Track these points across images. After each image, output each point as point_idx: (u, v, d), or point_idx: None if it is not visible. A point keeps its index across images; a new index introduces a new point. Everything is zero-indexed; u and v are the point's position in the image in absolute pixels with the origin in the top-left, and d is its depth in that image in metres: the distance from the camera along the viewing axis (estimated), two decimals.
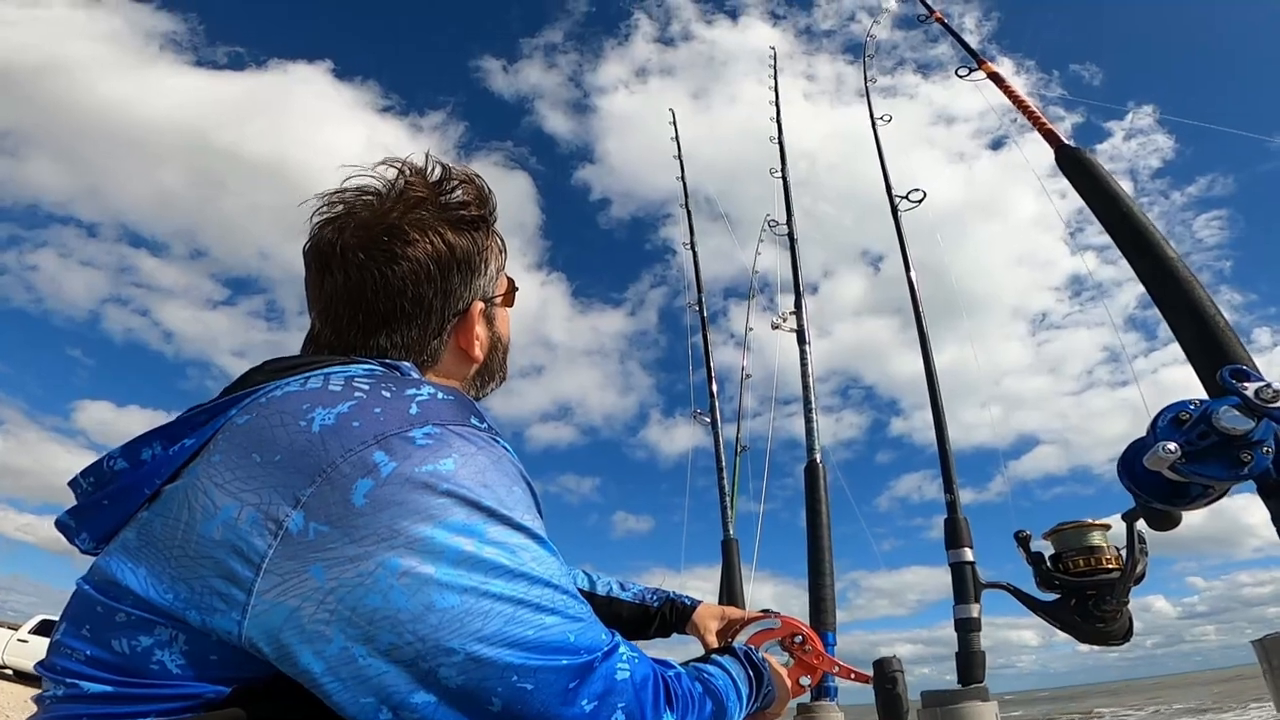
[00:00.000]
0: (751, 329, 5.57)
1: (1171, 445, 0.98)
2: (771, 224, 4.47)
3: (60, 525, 0.73)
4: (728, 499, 4.01)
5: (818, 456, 2.85)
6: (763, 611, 1.36)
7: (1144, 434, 1.06)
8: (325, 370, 0.73)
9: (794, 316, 3.47)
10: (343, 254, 0.81)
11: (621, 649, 0.69)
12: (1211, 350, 1.16)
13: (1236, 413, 0.96)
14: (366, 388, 0.69)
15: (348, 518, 0.58)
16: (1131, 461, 1.07)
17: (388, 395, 0.68)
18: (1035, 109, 1.99)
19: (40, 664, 0.66)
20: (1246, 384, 0.97)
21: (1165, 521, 1.21)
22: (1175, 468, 1.00)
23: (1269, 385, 0.96)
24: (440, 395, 0.71)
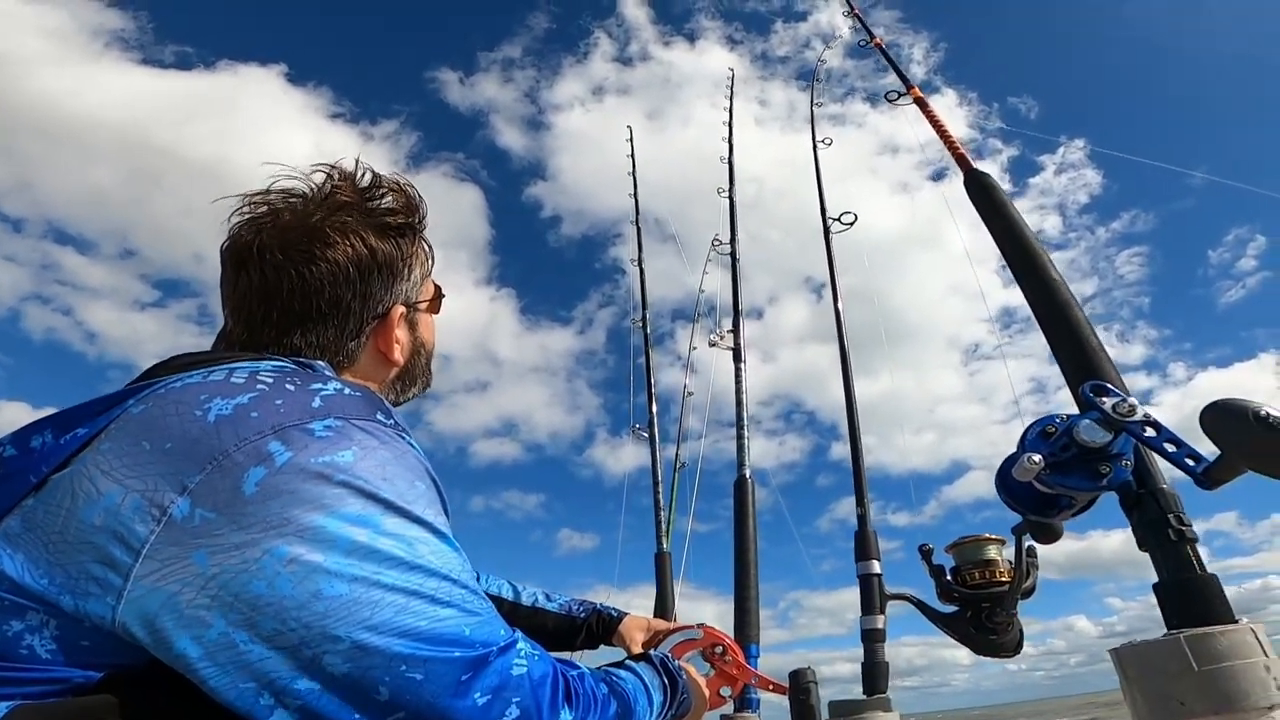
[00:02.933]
0: (695, 348, 5.63)
1: (1036, 456, 1.02)
2: (716, 243, 4.53)
3: None
4: (663, 513, 4.03)
5: (747, 472, 2.89)
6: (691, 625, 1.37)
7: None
8: (231, 365, 0.72)
9: (731, 334, 3.52)
10: (259, 253, 0.80)
11: (520, 645, 0.68)
12: (1080, 367, 1.22)
13: (1096, 426, 1.01)
14: (270, 380, 0.68)
15: (236, 505, 0.57)
16: (1005, 475, 1.11)
17: (291, 389, 0.67)
18: (952, 136, 2.07)
19: None
20: (1105, 399, 1.01)
21: (1047, 534, 1.26)
22: (1041, 479, 1.04)
23: (1124, 400, 1.00)
24: (347, 391, 0.70)
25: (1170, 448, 0.96)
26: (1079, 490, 1.04)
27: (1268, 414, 0.81)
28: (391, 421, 0.71)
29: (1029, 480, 1.05)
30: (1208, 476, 0.92)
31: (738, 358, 3.38)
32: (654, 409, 4.60)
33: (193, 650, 0.56)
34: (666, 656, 1.02)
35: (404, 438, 0.70)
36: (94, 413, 0.66)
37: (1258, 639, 0.94)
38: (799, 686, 1.95)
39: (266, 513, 0.57)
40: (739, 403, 3.18)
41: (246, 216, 0.84)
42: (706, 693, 1.12)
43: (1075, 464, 1.02)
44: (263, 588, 0.56)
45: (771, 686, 1.49)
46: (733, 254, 4.08)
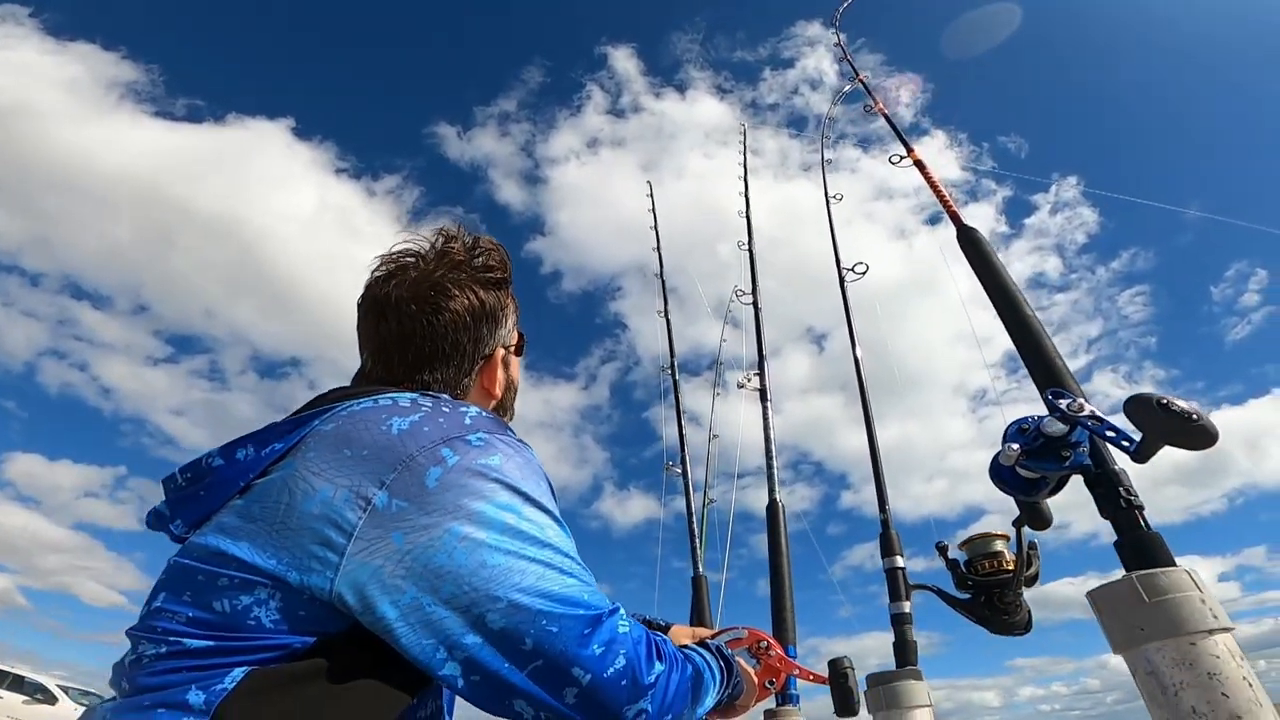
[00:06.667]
0: (719, 392, 5.94)
1: (1015, 446, 1.36)
2: (738, 293, 4.85)
3: (154, 514, 0.84)
4: (698, 539, 4.31)
5: (778, 496, 3.18)
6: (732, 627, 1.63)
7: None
8: (393, 395, 0.85)
9: (757, 377, 3.86)
10: (396, 305, 0.93)
11: (621, 611, 0.79)
12: (1047, 379, 1.58)
13: (1056, 421, 1.35)
14: (429, 405, 0.82)
15: (422, 496, 0.70)
16: (995, 463, 1.45)
17: (447, 410, 0.81)
18: (947, 196, 2.42)
19: (134, 629, 0.73)
20: (1062, 400, 1.36)
21: (1039, 520, 1.59)
22: (1020, 464, 1.37)
23: (1075, 400, 1.35)
24: (484, 414, 0.85)
25: (1110, 433, 1.29)
26: (1049, 471, 1.37)
27: (1167, 401, 1.15)
28: (517, 437, 0.85)
29: (1011, 465, 1.39)
30: (1138, 453, 1.25)
31: (764, 398, 3.71)
32: (685, 451, 4.90)
33: (391, 613, 0.67)
34: (721, 645, 1.10)
35: (528, 448, 0.84)
36: (284, 431, 0.79)
37: (1193, 578, 1.21)
38: (838, 672, 2.18)
39: (444, 501, 0.70)
40: (766, 434, 3.51)
41: (381, 274, 0.97)
42: (756, 681, 1.23)
43: (1044, 451, 1.36)
44: (444, 559, 0.68)
45: (812, 677, 1.72)
46: (755, 303, 4.43)
